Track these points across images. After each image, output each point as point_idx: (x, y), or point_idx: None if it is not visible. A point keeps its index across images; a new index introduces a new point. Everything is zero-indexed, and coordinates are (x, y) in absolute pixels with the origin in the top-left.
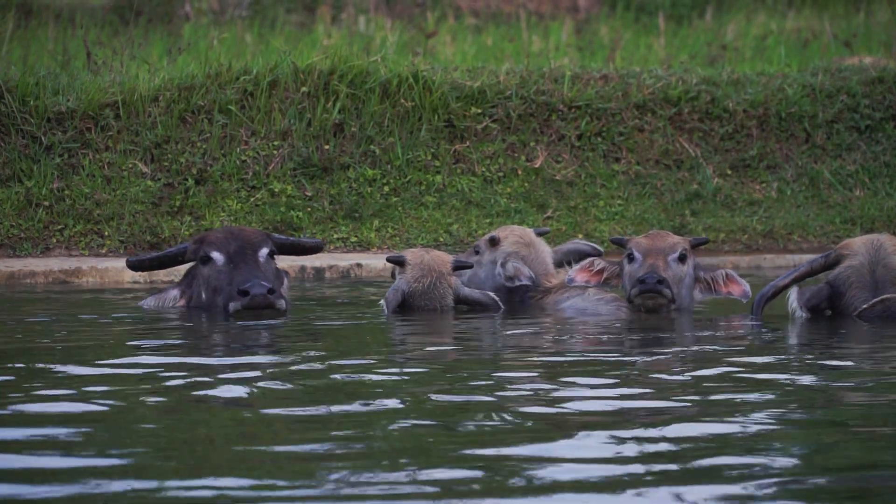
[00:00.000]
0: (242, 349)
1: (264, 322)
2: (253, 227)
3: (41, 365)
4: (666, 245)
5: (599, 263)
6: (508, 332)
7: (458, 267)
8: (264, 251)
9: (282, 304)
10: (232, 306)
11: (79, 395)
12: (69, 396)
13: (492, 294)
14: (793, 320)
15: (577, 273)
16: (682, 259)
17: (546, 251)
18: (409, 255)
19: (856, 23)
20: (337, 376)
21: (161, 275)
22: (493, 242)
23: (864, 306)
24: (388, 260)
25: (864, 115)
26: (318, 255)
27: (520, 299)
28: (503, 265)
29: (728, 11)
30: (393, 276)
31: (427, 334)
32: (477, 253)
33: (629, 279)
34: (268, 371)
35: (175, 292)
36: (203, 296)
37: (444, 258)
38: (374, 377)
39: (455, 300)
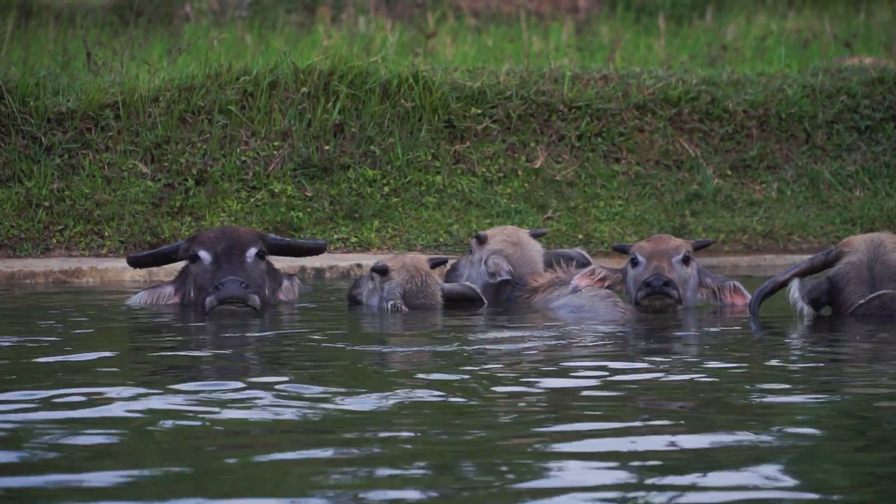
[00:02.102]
0: (237, 354)
1: (257, 323)
2: (251, 227)
3: (39, 369)
4: (669, 247)
5: (601, 271)
6: (507, 335)
7: (436, 264)
8: (252, 251)
9: (255, 300)
10: (208, 302)
11: (76, 401)
12: (66, 400)
13: (469, 284)
14: (794, 312)
15: (579, 280)
16: (685, 261)
17: (535, 251)
18: (390, 262)
19: (856, 23)
20: (332, 381)
21: (161, 274)
22: (480, 240)
23: (861, 301)
24: (373, 270)
25: (864, 116)
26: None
27: (507, 297)
28: (485, 262)
29: (728, 12)
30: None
31: (428, 339)
32: (471, 252)
33: (634, 283)
34: (266, 376)
35: (169, 289)
36: (192, 294)
37: (422, 258)
38: (370, 383)
39: (441, 296)
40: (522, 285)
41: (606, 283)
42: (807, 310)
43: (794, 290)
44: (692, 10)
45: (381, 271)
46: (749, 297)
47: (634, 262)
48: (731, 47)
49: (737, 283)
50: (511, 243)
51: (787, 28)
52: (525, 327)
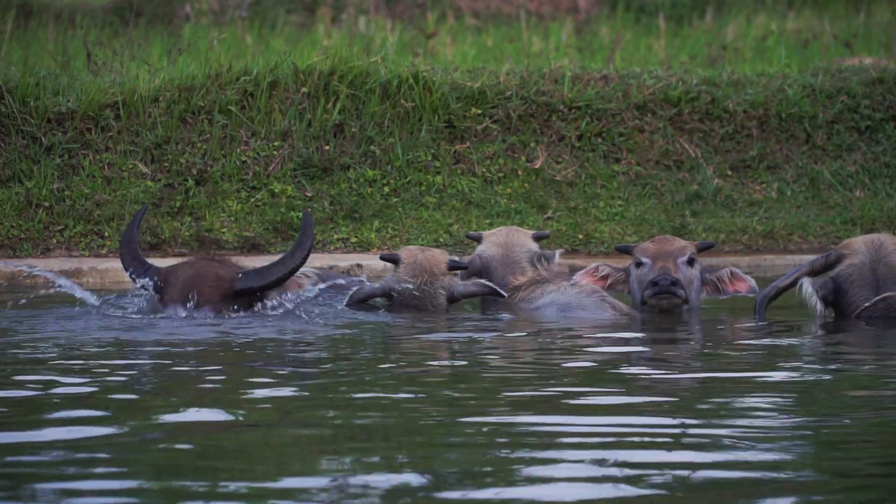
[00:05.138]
0: (233, 356)
1: (260, 325)
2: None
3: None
4: (674, 248)
5: (604, 269)
6: (501, 336)
7: (454, 267)
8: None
9: None
10: None
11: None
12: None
13: (483, 281)
14: (808, 307)
15: (581, 277)
16: (690, 263)
17: (522, 252)
18: (405, 253)
19: (856, 23)
20: (320, 382)
21: None
22: (472, 239)
23: (866, 305)
24: (382, 258)
25: (864, 116)
26: (319, 255)
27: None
28: None
29: (728, 12)
30: None
31: (433, 340)
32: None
33: (638, 284)
34: (266, 380)
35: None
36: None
37: (439, 259)
38: (362, 391)
39: (450, 299)
40: (504, 285)
41: (609, 282)
42: (819, 305)
43: (807, 286)
44: (692, 10)
45: (392, 261)
46: (748, 278)
47: (639, 263)
48: (731, 47)
49: (733, 269)
50: (496, 244)
51: (787, 28)
52: (518, 328)
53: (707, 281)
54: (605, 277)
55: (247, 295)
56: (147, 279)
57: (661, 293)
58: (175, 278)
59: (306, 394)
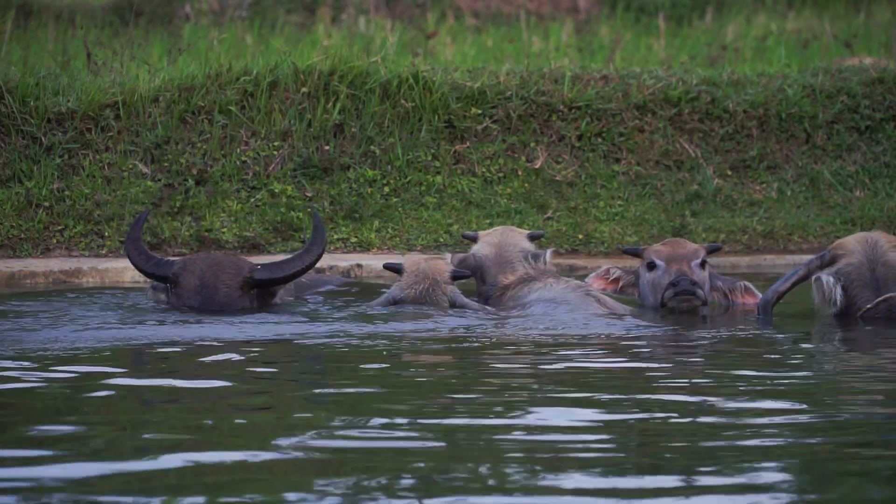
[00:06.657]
0: (230, 355)
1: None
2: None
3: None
4: (688, 251)
5: (615, 272)
6: (499, 333)
7: (457, 277)
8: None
9: None
10: None
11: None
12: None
13: (489, 308)
14: (831, 300)
15: (592, 281)
16: (702, 265)
17: (515, 251)
18: (407, 262)
19: (856, 23)
20: (315, 384)
21: None
22: (467, 240)
23: (868, 306)
24: (385, 267)
25: (864, 116)
26: None
27: (484, 297)
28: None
29: (728, 12)
30: None
31: (432, 341)
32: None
33: (651, 286)
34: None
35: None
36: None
37: (442, 267)
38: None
39: (450, 307)
40: (494, 284)
41: (620, 285)
42: (841, 296)
43: (827, 277)
44: (692, 10)
45: (395, 270)
46: (760, 295)
47: (652, 266)
48: (731, 47)
49: (747, 284)
50: (489, 244)
51: (787, 28)
52: (518, 327)
53: (718, 288)
54: (616, 280)
55: (264, 286)
56: (162, 272)
57: (681, 293)
58: (193, 267)
59: (306, 403)
